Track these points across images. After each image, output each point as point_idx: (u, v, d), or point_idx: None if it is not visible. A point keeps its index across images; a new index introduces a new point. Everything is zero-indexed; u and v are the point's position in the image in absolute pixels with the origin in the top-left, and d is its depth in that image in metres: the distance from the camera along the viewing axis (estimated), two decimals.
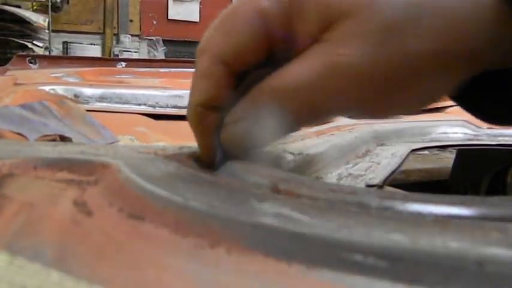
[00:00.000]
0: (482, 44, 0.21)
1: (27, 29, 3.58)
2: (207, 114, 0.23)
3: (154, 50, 4.49)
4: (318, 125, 0.23)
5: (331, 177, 0.34)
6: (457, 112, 0.63)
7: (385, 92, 0.21)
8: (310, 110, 0.22)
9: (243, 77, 0.23)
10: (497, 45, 0.21)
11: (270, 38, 0.22)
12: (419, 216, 0.16)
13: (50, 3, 3.93)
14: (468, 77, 0.22)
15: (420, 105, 0.24)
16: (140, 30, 4.62)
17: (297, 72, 0.21)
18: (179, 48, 4.60)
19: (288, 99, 0.21)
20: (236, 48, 0.22)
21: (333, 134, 0.42)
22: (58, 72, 1.14)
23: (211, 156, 0.24)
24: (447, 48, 0.20)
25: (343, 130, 0.45)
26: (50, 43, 3.90)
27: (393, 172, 0.38)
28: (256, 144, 0.23)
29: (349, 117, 0.25)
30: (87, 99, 0.84)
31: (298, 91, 0.21)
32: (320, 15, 0.21)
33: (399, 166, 0.40)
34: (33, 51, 3.29)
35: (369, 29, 0.20)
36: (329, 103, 0.21)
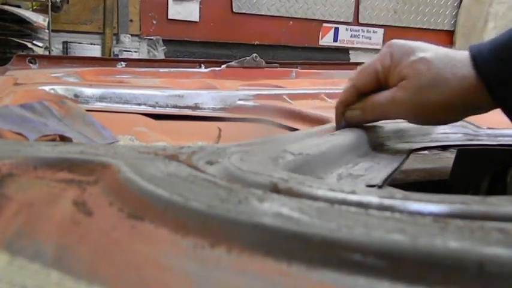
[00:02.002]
0: (474, 105, 0.41)
1: (27, 29, 3.57)
2: (342, 107, 0.47)
3: (154, 49, 4.50)
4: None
5: (331, 177, 0.34)
6: None
7: (420, 116, 0.44)
8: (380, 113, 0.45)
9: (362, 95, 0.45)
10: (477, 105, 0.41)
11: (377, 81, 0.44)
12: (419, 216, 0.16)
13: (49, 3, 3.93)
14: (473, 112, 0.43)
15: (446, 122, 0.46)
16: (140, 30, 4.62)
17: (380, 97, 0.44)
18: (179, 48, 4.60)
19: (370, 108, 0.45)
20: (363, 82, 0.45)
21: (333, 134, 0.42)
22: (58, 72, 1.13)
23: (339, 124, 0.47)
24: (451, 101, 0.41)
25: (343, 130, 0.45)
26: (49, 43, 3.90)
27: (393, 172, 0.38)
28: (359, 122, 0.46)
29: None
30: (87, 99, 0.84)
31: (376, 106, 0.44)
32: (399, 76, 0.43)
33: (399, 166, 0.40)
34: (33, 51, 3.29)
35: (411, 85, 0.42)
36: (387, 112, 0.44)
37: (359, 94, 0.46)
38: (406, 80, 0.42)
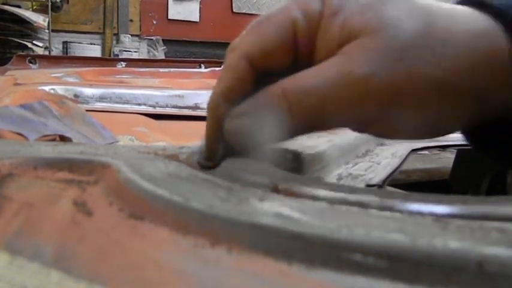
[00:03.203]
0: (493, 87, 0.23)
1: (27, 29, 3.57)
2: (222, 105, 0.24)
3: (154, 49, 4.49)
4: (314, 132, 0.24)
5: (331, 177, 0.34)
6: None
7: (390, 109, 0.22)
8: (315, 115, 0.22)
9: (263, 80, 0.24)
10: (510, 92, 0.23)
11: (294, 47, 0.24)
12: (419, 216, 0.16)
13: (49, 3, 3.93)
14: (477, 118, 0.24)
15: (427, 134, 0.25)
16: (140, 30, 4.62)
17: (310, 77, 0.22)
18: (179, 48, 4.60)
19: (296, 101, 0.22)
20: (263, 47, 0.23)
21: (333, 134, 0.42)
22: (58, 72, 1.13)
23: (213, 148, 0.24)
24: (453, 80, 0.22)
25: (343, 130, 0.45)
26: (49, 43, 3.90)
27: (393, 172, 0.38)
28: (255, 142, 0.23)
29: (352, 130, 0.25)
30: (87, 99, 0.84)
31: (308, 95, 0.22)
32: (341, 34, 0.23)
33: (399, 166, 0.40)
34: (33, 51, 3.29)
35: (383, 46, 0.22)
36: (334, 111, 0.22)
37: (256, 76, 0.23)
38: (366, 37, 0.22)
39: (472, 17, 0.23)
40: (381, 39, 0.22)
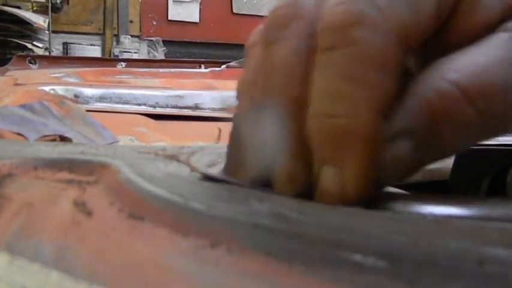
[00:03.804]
0: None
1: (27, 30, 3.58)
2: (379, 123, 0.15)
3: (154, 50, 4.50)
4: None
5: None
6: None
7: None
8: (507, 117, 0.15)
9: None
10: None
11: (440, 14, 0.16)
12: (419, 216, 0.16)
13: (49, 4, 3.93)
14: None
15: None
16: (140, 31, 4.62)
17: (489, 66, 0.15)
18: (179, 48, 4.60)
19: (486, 103, 0.15)
20: (420, 23, 0.15)
21: None
22: (58, 72, 1.13)
23: (364, 189, 0.16)
24: None
25: None
26: (49, 44, 3.90)
27: None
28: (422, 166, 0.16)
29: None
30: (87, 100, 0.84)
31: (495, 93, 0.15)
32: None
33: None
34: (33, 52, 3.29)
35: None
36: None
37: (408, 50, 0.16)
38: None
39: None
40: None
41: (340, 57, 0.15)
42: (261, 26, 0.18)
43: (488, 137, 0.17)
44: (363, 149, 0.15)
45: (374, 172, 0.15)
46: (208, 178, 0.21)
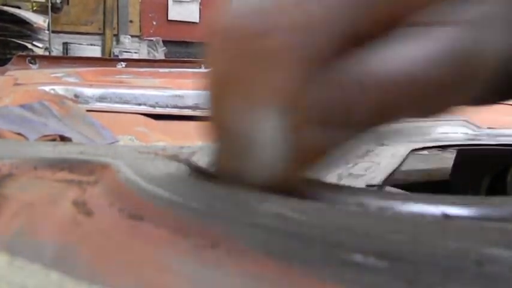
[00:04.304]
0: None
1: (27, 30, 3.57)
2: (300, 112, 0.16)
3: (154, 50, 4.49)
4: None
5: (331, 177, 0.34)
6: (457, 112, 0.63)
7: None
8: (420, 105, 0.17)
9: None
10: None
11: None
12: (419, 216, 0.16)
13: (49, 4, 3.93)
14: None
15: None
16: (140, 31, 4.62)
17: (410, 59, 0.16)
18: (179, 48, 4.59)
19: (405, 93, 0.16)
20: (356, 20, 0.16)
21: None
22: (58, 72, 1.13)
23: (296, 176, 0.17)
24: None
25: None
26: (49, 44, 3.90)
27: (393, 172, 0.38)
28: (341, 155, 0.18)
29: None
30: (87, 99, 0.84)
31: (414, 86, 0.16)
32: None
33: (399, 166, 0.40)
34: (33, 52, 3.29)
35: (491, 14, 0.16)
36: (441, 97, 0.17)
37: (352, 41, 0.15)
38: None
39: None
40: (487, 7, 0.16)
41: (263, 57, 0.16)
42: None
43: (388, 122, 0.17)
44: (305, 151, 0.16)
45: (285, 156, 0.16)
46: (196, 170, 0.21)
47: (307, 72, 0.15)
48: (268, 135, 0.16)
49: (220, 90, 0.17)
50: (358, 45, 0.16)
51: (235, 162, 0.18)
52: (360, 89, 0.16)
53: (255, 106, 0.16)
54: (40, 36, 3.79)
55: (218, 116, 0.18)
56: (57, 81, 0.97)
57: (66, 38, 4.31)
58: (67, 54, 4.05)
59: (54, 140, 0.44)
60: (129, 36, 4.53)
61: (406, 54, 0.16)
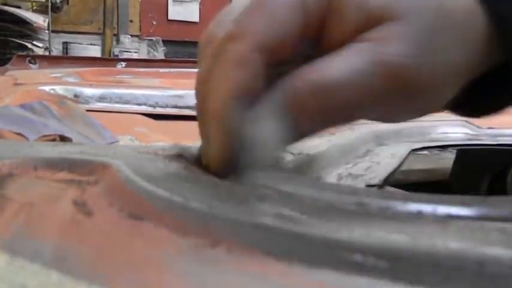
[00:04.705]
0: (479, 58, 0.23)
1: (27, 30, 3.58)
2: (238, 109, 0.20)
3: (154, 50, 4.49)
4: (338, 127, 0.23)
5: (331, 177, 0.34)
6: None
7: (419, 95, 0.22)
8: (347, 111, 0.21)
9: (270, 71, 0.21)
10: (487, 59, 0.23)
11: (305, 32, 0.21)
12: (419, 216, 0.16)
13: (49, 4, 3.93)
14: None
15: (424, 113, 0.25)
16: (140, 30, 4.62)
17: (339, 68, 0.20)
18: (179, 48, 4.59)
19: (327, 97, 0.20)
20: (277, 36, 0.20)
21: (333, 134, 0.42)
22: (58, 72, 1.13)
23: (227, 161, 0.21)
24: (463, 59, 0.22)
25: (343, 130, 0.45)
26: (49, 43, 3.90)
27: (393, 172, 0.38)
28: (273, 148, 0.21)
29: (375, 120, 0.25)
30: (87, 99, 0.84)
31: (342, 89, 0.20)
32: (359, 16, 0.21)
33: (399, 166, 0.40)
34: (33, 52, 3.29)
35: (413, 33, 0.21)
36: (369, 105, 0.21)
37: (267, 71, 0.21)
38: (393, 21, 0.21)
39: None
40: (410, 26, 0.20)
41: (214, 62, 0.21)
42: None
43: (333, 125, 0.22)
44: (221, 127, 0.20)
45: (233, 146, 0.20)
46: (196, 170, 0.22)
47: (249, 73, 0.20)
48: (232, 124, 0.20)
49: (202, 87, 0.22)
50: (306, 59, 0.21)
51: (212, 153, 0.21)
52: (294, 90, 0.20)
53: (224, 98, 0.20)
54: (40, 36, 3.79)
55: (201, 109, 0.22)
56: (57, 81, 0.97)
57: (66, 37, 4.31)
58: (67, 53, 4.05)
59: (54, 140, 0.44)
60: (129, 36, 4.53)
61: (332, 64, 0.20)
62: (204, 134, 0.22)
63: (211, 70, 0.21)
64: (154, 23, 4.66)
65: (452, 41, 0.21)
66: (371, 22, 0.21)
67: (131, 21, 4.64)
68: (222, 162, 0.21)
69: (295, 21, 0.21)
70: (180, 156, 0.25)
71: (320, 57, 0.21)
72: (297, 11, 0.21)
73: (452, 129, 0.54)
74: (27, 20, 3.49)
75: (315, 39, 0.22)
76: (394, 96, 0.21)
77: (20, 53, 1.54)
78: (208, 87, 0.21)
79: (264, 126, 0.20)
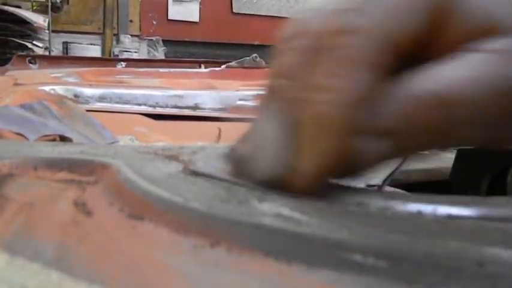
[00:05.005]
0: None
1: (27, 29, 3.57)
2: (355, 116, 0.17)
3: (154, 50, 4.49)
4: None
5: None
6: None
7: None
8: (464, 126, 0.17)
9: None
10: None
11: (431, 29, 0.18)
12: (419, 216, 0.16)
13: (49, 4, 3.93)
14: None
15: None
16: (140, 30, 4.62)
17: (464, 79, 0.17)
18: (179, 48, 4.59)
19: (458, 111, 0.17)
20: (409, 30, 0.17)
21: None
22: (58, 72, 1.13)
23: (322, 177, 0.17)
24: None
25: None
26: (49, 43, 3.90)
27: (393, 172, 0.38)
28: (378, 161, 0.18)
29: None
30: (87, 99, 0.84)
31: (468, 103, 0.17)
32: (474, 21, 0.18)
33: (399, 166, 0.40)
34: (33, 52, 3.29)
35: None
36: (489, 122, 0.18)
37: (397, 65, 0.18)
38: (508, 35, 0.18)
39: None
40: None
41: (328, 58, 0.17)
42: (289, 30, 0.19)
43: (458, 144, 0.20)
44: (331, 135, 0.17)
45: (335, 161, 0.17)
46: (197, 174, 0.21)
47: (372, 76, 0.17)
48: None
49: (291, 83, 0.18)
50: (411, 62, 0.18)
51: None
52: (417, 103, 0.17)
53: (342, 103, 0.17)
54: (40, 36, 3.79)
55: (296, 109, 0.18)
56: (57, 81, 0.97)
57: (66, 37, 4.31)
58: (67, 53, 4.05)
59: (54, 140, 0.44)
60: (129, 36, 4.53)
61: (455, 74, 0.17)
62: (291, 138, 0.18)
63: (312, 65, 0.17)
64: (154, 22, 4.65)
65: None
66: (488, 29, 0.18)
67: (131, 21, 4.63)
68: (315, 177, 0.17)
69: (425, 16, 0.18)
70: (180, 156, 0.25)
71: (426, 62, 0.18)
72: (424, 4, 0.18)
73: None
74: (27, 20, 3.49)
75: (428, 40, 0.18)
76: None
77: (20, 53, 1.54)
78: (310, 85, 0.17)
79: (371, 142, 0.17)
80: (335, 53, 0.17)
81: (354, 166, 0.18)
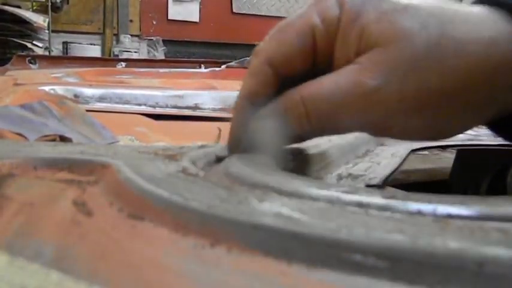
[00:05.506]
0: (504, 85, 0.23)
1: (27, 29, 3.57)
2: (246, 107, 0.26)
3: (154, 50, 4.49)
4: (327, 135, 0.28)
5: (331, 177, 0.34)
6: None
7: (398, 118, 0.24)
8: (329, 121, 0.24)
9: (286, 83, 0.25)
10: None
11: (314, 53, 0.25)
12: (419, 216, 0.16)
13: (49, 4, 3.93)
14: (497, 114, 0.25)
15: (434, 137, 0.27)
16: (140, 30, 4.62)
17: (326, 84, 0.24)
18: (179, 48, 4.59)
19: (312, 107, 0.24)
20: (284, 54, 0.25)
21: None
22: (58, 72, 1.13)
23: (235, 146, 0.27)
24: (464, 90, 0.23)
25: None
26: (49, 43, 3.90)
27: (393, 172, 0.38)
28: (273, 143, 0.25)
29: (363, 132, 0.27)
30: (87, 99, 0.84)
31: (324, 102, 0.24)
32: (358, 42, 0.24)
33: (399, 166, 0.40)
34: (33, 51, 3.29)
35: (394, 58, 0.23)
36: (347, 118, 0.24)
37: (278, 80, 0.25)
38: (379, 48, 0.23)
39: (487, 21, 0.23)
40: (393, 52, 0.23)
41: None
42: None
43: (323, 133, 0.27)
44: (234, 119, 0.27)
45: (238, 132, 0.26)
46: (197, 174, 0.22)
47: (261, 79, 0.25)
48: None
49: None
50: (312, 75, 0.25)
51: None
52: (288, 99, 0.25)
53: (239, 98, 0.27)
54: (40, 36, 3.78)
55: None
56: (57, 82, 0.97)
57: (66, 37, 4.31)
58: (67, 53, 4.05)
59: (54, 140, 0.44)
60: (129, 36, 4.52)
61: (323, 80, 0.24)
62: None
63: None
64: (154, 22, 4.65)
65: (448, 70, 0.22)
66: (367, 47, 0.23)
67: (131, 21, 4.63)
68: (229, 144, 0.27)
69: (302, 43, 0.25)
70: (180, 156, 0.25)
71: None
72: (305, 36, 0.25)
73: None
74: (27, 20, 3.48)
75: (329, 59, 0.25)
76: (375, 114, 0.23)
77: (20, 53, 1.54)
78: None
79: (266, 123, 0.25)
80: (248, 68, 0.26)
81: (258, 140, 0.25)
